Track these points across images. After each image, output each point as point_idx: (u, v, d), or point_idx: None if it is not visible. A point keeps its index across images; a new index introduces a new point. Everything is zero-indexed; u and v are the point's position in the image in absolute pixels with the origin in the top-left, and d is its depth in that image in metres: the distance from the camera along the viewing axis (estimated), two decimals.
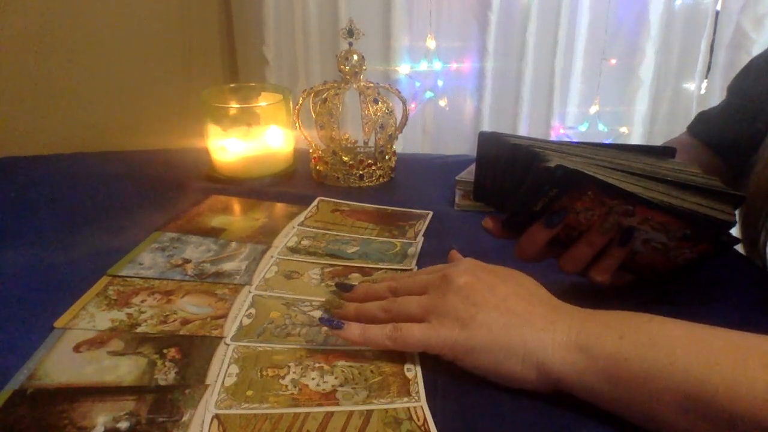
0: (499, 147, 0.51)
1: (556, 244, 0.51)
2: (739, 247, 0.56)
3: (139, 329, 0.48)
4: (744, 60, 0.90)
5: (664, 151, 0.54)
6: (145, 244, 0.61)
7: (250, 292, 0.54)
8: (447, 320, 0.43)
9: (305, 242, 0.63)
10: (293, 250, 0.62)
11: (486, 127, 1.44)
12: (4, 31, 1.09)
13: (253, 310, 0.51)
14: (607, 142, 1.39)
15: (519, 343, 0.41)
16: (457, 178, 0.77)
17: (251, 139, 0.79)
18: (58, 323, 0.48)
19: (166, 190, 0.76)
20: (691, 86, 1.43)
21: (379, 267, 0.59)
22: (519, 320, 0.42)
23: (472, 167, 0.79)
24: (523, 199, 0.49)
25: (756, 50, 1.27)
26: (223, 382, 0.42)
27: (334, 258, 0.60)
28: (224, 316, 0.50)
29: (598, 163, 0.48)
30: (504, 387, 0.42)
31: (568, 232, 0.51)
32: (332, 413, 0.39)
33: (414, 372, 0.44)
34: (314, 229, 0.67)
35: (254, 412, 0.39)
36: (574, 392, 0.40)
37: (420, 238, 0.66)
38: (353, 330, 0.45)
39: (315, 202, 0.73)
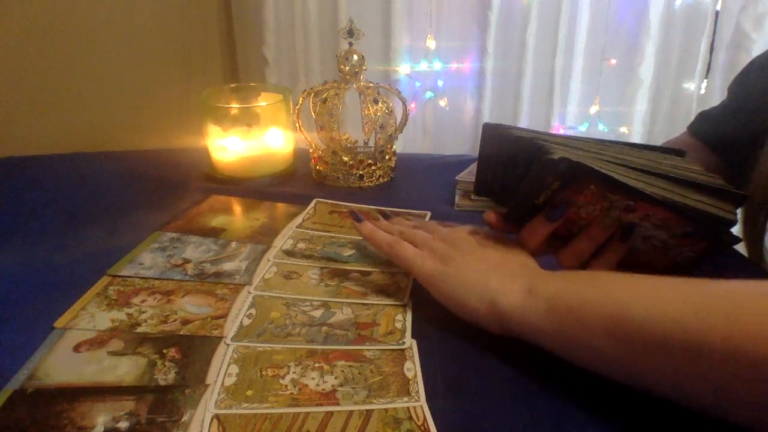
0: (502, 139, 0.51)
1: (555, 239, 0.51)
2: (740, 247, 0.55)
3: (139, 329, 0.48)
4: (744, 60, 0.90)
5: (673, 153, 0.54)
6: (145, 244, 0.61)
7: (249, 292, 0.54)
8: (435, 255, 0.51)
9: (301, 245, 0.63)
10: (289, 253, 0.61)
11: None
12: (4, 31, 1.09)
13: (253, 311, 0.51)
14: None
15: (479, 283, 0.47)
16: (457, 178, 0.77)
17: (251, 139, 0.79)
18: (58, 323, 0.48)
19: (166, 190, 0.76)
20: (691, 86, 1.43)
21: (377, 269, 0.59)
22: (487, 268, 0.48)
23: (472, 167, 0.79)
24: (526, 192, 0.49)
25: (756, 50, 1.27)
26: (222, 382, 0.42)
27: (330, 261, 0.60)
28: (224, 316, 0.50)
29: (601, 158, 0.48)
30: (506, 388, 0.42)
31: (569, 227, 0.51)
32: (332, 413, 0.39)
33: (414, 372, 0.44)
34: (311, 231, 0.67)
35: (254, 412, 0.39)
36: (519, 331, 0.44)
37: None
38: (367, 226, 0.57)
39: (312, 204, 0.73)
